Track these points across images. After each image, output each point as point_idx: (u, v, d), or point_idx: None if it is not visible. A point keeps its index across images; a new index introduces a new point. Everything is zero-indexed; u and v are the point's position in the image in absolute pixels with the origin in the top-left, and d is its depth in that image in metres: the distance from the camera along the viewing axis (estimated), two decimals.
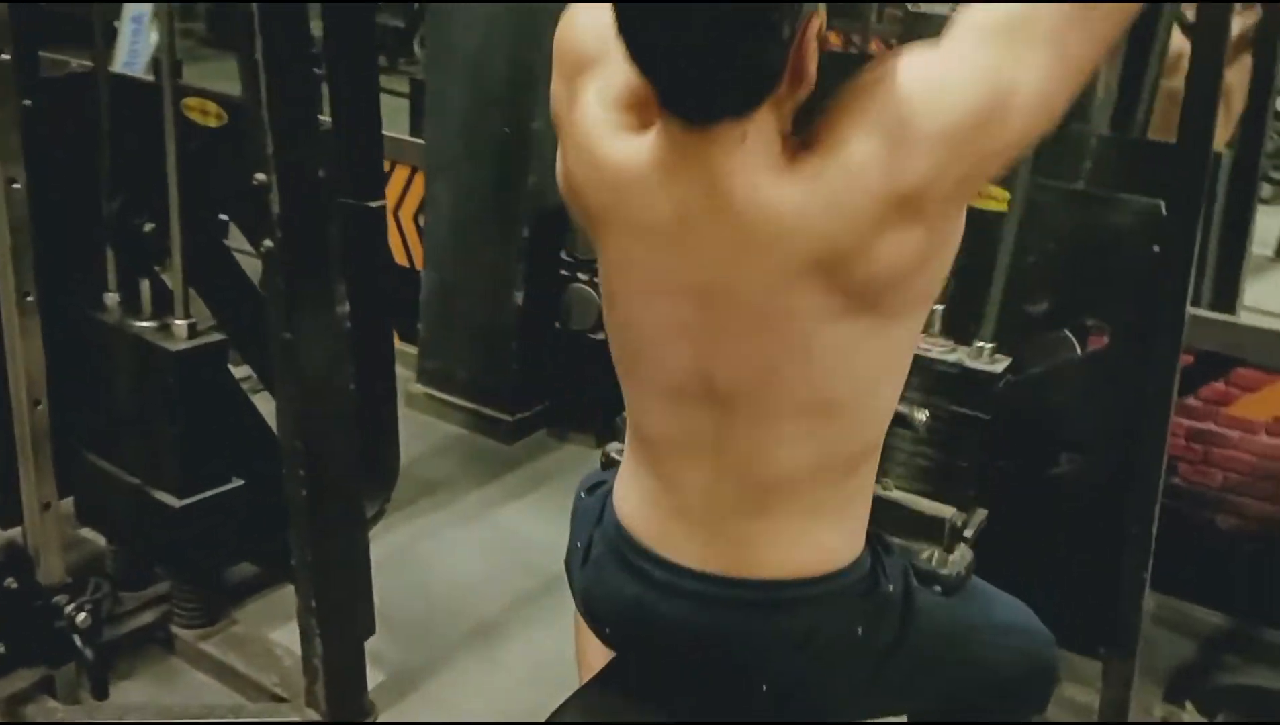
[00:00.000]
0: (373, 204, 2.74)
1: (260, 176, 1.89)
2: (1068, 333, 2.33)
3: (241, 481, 2.31)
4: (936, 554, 1.53)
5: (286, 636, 2.43)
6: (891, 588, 1.32)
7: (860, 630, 1.29)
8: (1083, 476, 2.33)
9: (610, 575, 1.35)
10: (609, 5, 1.04)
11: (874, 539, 1.33)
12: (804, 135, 1.06)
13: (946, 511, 1.57)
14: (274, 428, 2.24)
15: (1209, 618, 2.77)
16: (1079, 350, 2.32)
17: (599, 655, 1.78)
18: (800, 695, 1.34)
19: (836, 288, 1.08)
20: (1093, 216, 2.22)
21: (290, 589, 2.56)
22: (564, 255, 3.40)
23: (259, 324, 2.11)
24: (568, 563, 1.49)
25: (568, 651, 2.48)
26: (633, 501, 1.34)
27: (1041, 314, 2.34)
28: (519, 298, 3.42)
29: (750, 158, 1.05)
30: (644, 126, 1.10)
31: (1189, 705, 2.47)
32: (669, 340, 1.19)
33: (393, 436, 2.99)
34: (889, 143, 1.02)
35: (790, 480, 1.22)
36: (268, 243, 1.92)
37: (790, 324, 1.11)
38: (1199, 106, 2.03)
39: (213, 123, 2.24)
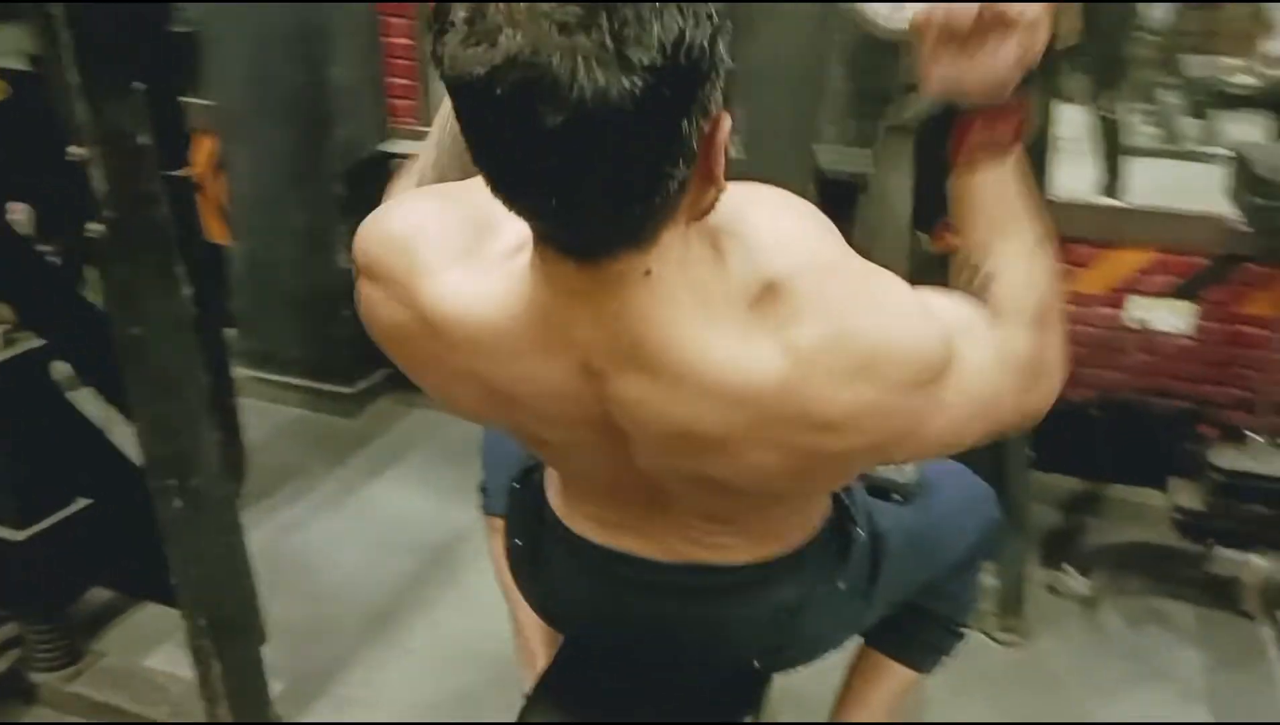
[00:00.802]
0: (177, 173, 2.45)
1: (78, 150, 1.63)
2: None
3: (87, 501, 2.04)
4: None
5: (165, 660, 2.21)
6: (861, 532, 1.31)
7: (841, 584, 1.28)
8: None
9: (572, 580, 1.28)
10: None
11: None
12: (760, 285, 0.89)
13: None
14: (108, 437, 2.04)
15: (1067, 484, 2.95)
16: None
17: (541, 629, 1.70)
18: (786, 657, 1.35)
19: (808, 453, 0.95)
20: None
21: (151, 608, 2.33)
22: None
23: (79, 322, 1.86)
24: (511, 562, 1.40)
25: (474, 625, 2.40)
26: (574, 513, 1.25)
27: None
28: (343, 261, 3.18)
29: (660, 290, 0.86)
30: (510, 273, 0.92)
31: (1067, 568, 2.63)
32: (602, 471, 1.11)
33: (235, 429, 2.74)
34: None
35: (747, 522, 1.18)
36: (97, 227, 1.66)
37: (731, 472, 0.99)
38: None
39: None
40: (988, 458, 2.36)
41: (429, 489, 2.97)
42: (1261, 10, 6.69)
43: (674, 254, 0.85)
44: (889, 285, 0.93)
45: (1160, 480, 2.68)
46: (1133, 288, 2.74)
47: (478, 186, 0.82)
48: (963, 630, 1.63)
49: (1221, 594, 2.54)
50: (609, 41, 0.70)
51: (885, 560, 1.32)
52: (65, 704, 2.09)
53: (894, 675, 1.64)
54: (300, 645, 2.27)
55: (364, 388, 3.34)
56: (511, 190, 0.80)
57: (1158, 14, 6.93)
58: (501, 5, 0.71)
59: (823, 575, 1.25)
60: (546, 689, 1.38)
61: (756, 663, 1.31)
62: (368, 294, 1.02)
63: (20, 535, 1.94)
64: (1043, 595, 2.59)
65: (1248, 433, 2.55)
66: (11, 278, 2.06)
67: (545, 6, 0.70)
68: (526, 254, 0.90)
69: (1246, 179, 1.97)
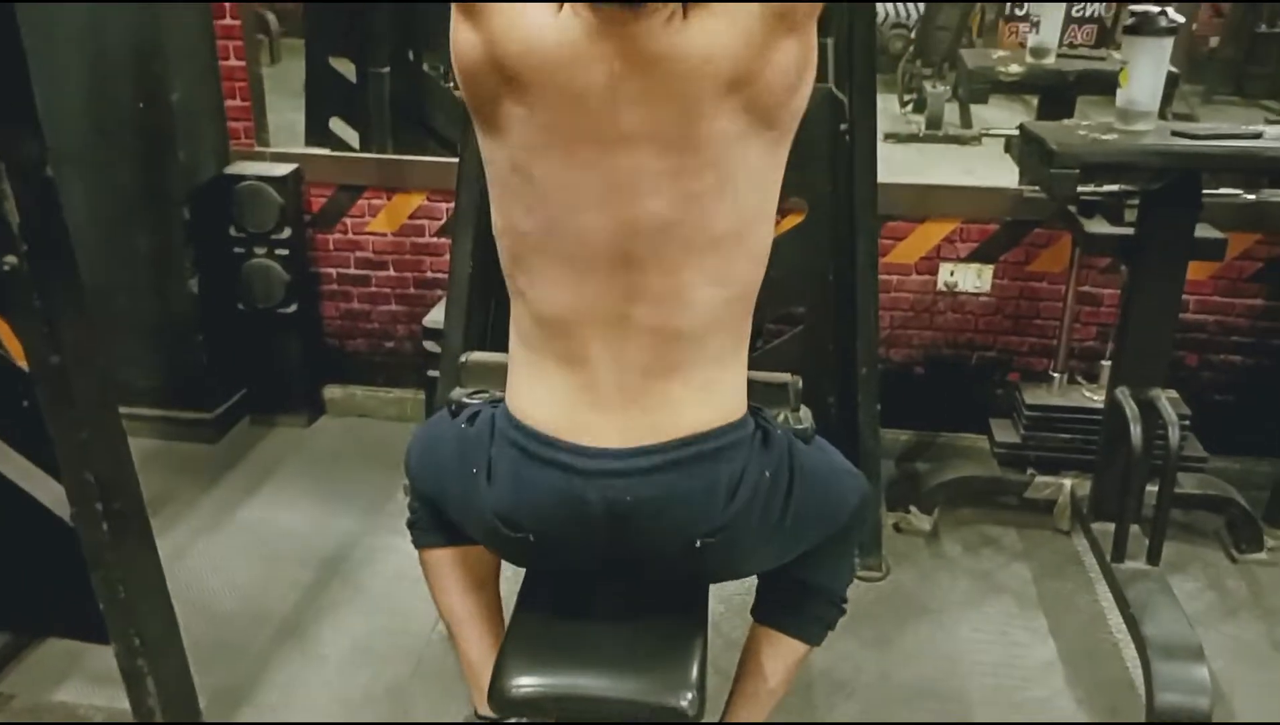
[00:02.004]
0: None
1: None
2: None
3: None
4: (788, 414, 1.71)
5: (76, 693, 2.19)
6: (780, 433, 1.49)
7: (768, 474, 1.44)
8: (810, 337, 2.66)
9: (529, 477, 1.39)
10: None
11: (748, 406, 1.46)
12: None
13: (787, 377, 1.76)
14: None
15: (899, 436, 3.28)
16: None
17: (468, 592, 1.78)
18: (728, 544, 1.45)
19: (743, 107, 1.23)
20: None
21: (46, 647, 2.31)
22: (232, 231, 3.19)
23: None
24: (463, 497, 1.49)
25: (382, 623, 2.49)
26: (537, 400, 1.39)
27: None
28: (194, 285, 3.16)
29: (665, 19, 1.18)
30: (559, 8, 1.20)
31: (912, 509, 2.95)
32: (589, 204, 1.27)
33: None
34: None
35: (698, 328, 1.34)
36: (10, 260, 1.67)
37: (706, 150, 1.24)
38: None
39: None
40: (839, 417, 2.66)
41: (306, 501, 3.01)
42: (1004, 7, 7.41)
43: None
44: None
45: (982, 424, 3.04)
46: (941, 256, 3.10)
47: None
48: (845, 603, 1.74)
49: (1042, 515, 2.92)
50: None
51: (798, 476, 1.49)
52: None
53: (786, 648, 1.73)
54: (213, 664, 2.29)
55: (222, 412, 3.32)
56: None
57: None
58: None
59: (753, 458, 1.41)
60: (522, 616, 1.52)
61: (699, 542, 1.41)
62: (460, 34, 1.26)
63: None
64: (892, 535, 2.90)
65: (1051, 373, 2.95)
66: None
67: None
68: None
69: (1042, 153, 2.31)
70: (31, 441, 2.00)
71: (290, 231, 3.18)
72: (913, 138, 6.32)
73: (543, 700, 1.47)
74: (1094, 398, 2.83)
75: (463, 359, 1.81)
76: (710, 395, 1.38)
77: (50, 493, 2.05)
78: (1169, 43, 2.35)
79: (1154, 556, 2.44)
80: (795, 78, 1.25)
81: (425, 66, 3.86)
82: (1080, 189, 2.37)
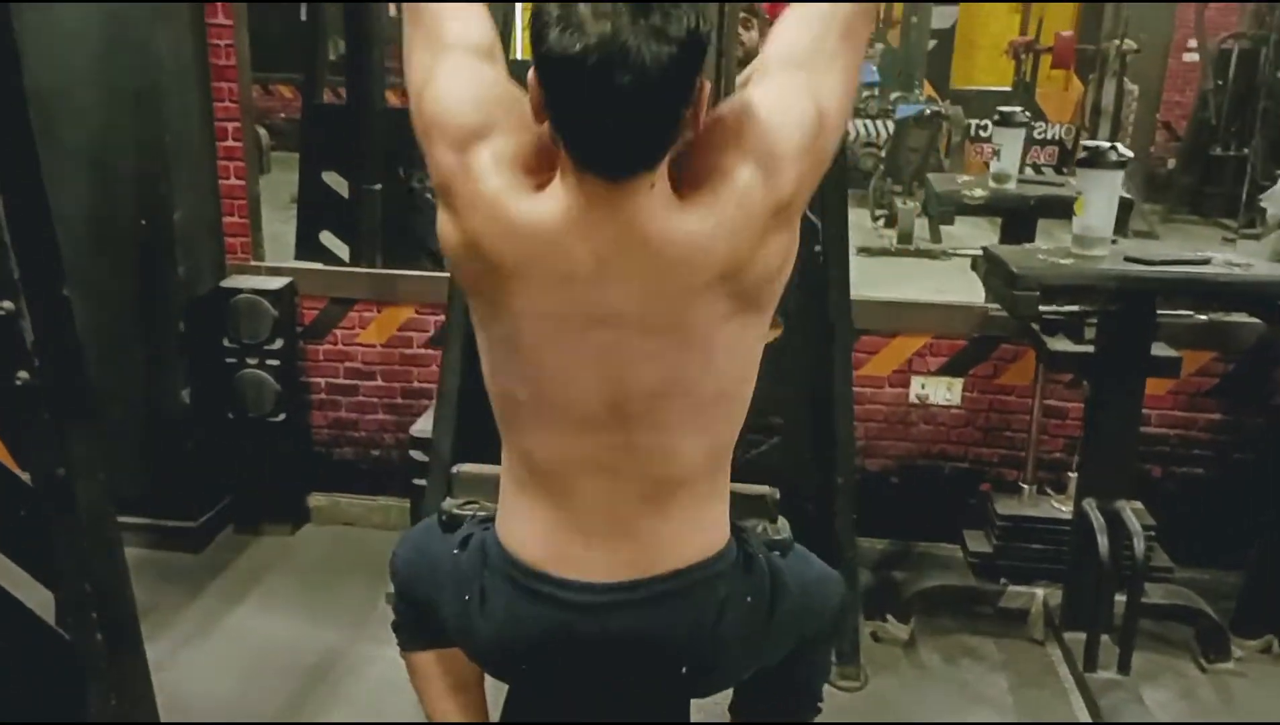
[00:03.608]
0: None
1: (7, 305, 1.72)
2: None
3: None
4: (766, 526, 1.79)
5: None
6: (762, 557, 1.56)
7: (750, 599, 1.50)
8: (788, 447, 2.75)
9: (522, 611, 1.44)
10: (474, 77, 1.27)
11: (732, 525, 1.52)
12: (685, 170, 1.25)
13: (765, 489, 1.85)
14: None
15: (876, 544, 3.35)
16: None
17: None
18: (712, 667, 1.52)
19: (732, 293, 1.28)
20: None
21: None
22: (226, 342, 3.28)
23: None
24: (457, 619, 1.53)
25: None
26: (528, 533, 1.44)
27: None
28: (186, 395, 3.23)
29: (657, 199, 1.23)
30: (541, 186, 1.24)
31: (889, 618, 3.00)
32: (579, 373, 1.32)
33: None
34: (763, 167, 1.25)
35: (683, 474, 1.40)
36: (23, 375, 1.75)
37: (694, 331, 1.29)
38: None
39: None
40: (817, 525, 2.73)
41: (290, 611, 3.03)
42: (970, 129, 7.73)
43: (662, 167, 1.22)
44: (752, 100, 1.28)
45: (956, 533, 3.12)
46: (913, 369, 3.22)
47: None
48: (821, 700, 1.80)
49: (1016, 624, 2.98)
50: (658, 24, 1.11)
51: (780, 594, 1.55)
52: None
53: None
54: None
55: (206, 520, 3.36)
56: (580, 131, 1.18)
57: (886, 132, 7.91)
58: (583, 5, 1.12)
59: (737, 585, 1.47)
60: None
61: (684, 668, 1.47)
62: (445, 161, 1.29)
63: None
64: (869, 644, 2.94)
65: (1020, 484, 3.05)
66: None
67: (612, 6, 1.11)
68: (554, 178, 1.23)
69: (1004, 276, 2.45)
70: (25, 550, 2.04)
71: (282, 342, 3.26)
72: (884, 252, 6.55)
73: None
74: (1063, 508, 2.92)
75: (455, 470, 1.87)
76: (695, 531, 1.44)
77: (48, 604, 2.09)
78: (1119, 175, 2.51)
79: (1124, 666, 2.50)
80: (782, 264, 1.32)
81: (415, 183, 4.01)
82: (1042, 308, 2.50)
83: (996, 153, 3.54)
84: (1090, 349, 2.63)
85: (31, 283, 1.73)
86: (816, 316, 2.67)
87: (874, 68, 8.71)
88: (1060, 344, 2.69)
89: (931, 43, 9.66)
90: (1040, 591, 2.91)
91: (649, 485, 1.39)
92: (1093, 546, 2.53)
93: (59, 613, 2.03)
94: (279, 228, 3.91)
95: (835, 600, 1.73)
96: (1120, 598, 2.53)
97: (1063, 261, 2.47)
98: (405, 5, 1.38)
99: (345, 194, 4.07)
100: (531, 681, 1.55)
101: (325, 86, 4.95)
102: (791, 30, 1.35)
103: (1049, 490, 3.03)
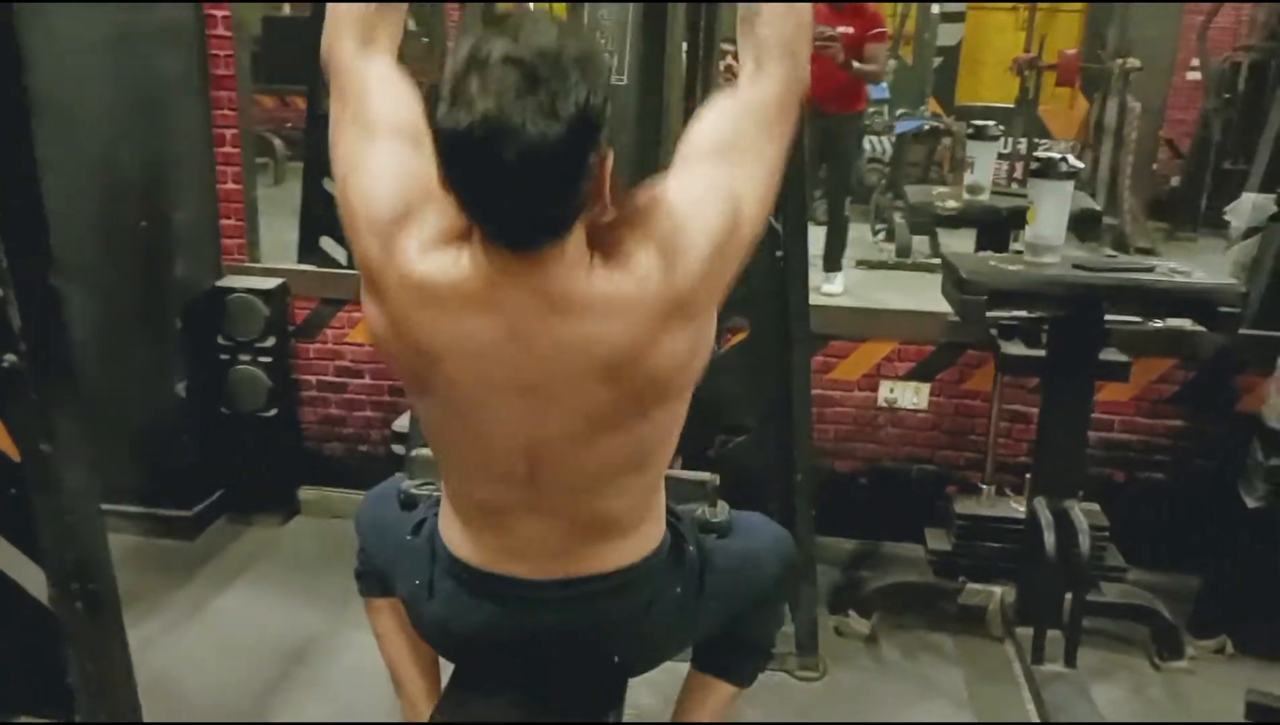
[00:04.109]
0: None
1: None
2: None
3: None
4: (705, 509, 1.90)
5: None
6: (692, 548, 1.68)
7: (679, 589, 1.63)
8: (757, 446, 2.85)
9: (464, 606, 1.57)
10: (396, 166, 1.30)
11: (669, 511, 1.64)
12: (603, 245, 1.29)
13: (705, 476, 1.96)
14: None
15: (844, 544, 3.44)
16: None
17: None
18: (642, 654, 1.67)
19: (626, 387, 1.31)
20: None
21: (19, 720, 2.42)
22: (221, 339, 3.41)
23: None
24: (409, 599, 1.66)
25: (333, 711, 2.61)
26: (467, 545, 1.54)
27: None
28: (181, 389, 3.37)
29: (567, 269, 1.26)
30: (458, 259, 1.28)
31: (851, 613, 3.09)
32: (503, 438, 1.38)
33: None
34: (666, 256, 1.27)
35: (615, 515, 1.50)
36: (10, 357, 1.88)
37: (600, 410, 1.34)
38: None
39: None
40: (779, 520, 2.83)
41: (276, 597, 3.15)
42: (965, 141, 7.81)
43: (575, 240, 1.25)
44: (673, 189, 1.32)
45: (921, 534, 3.21)
46: (881, 374, 3.32)
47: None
48: (772, 650, 1.97)
49: (975, 621, 3.06)
50: (545, 102, 1.13)
51: (709, 574, 1.67)
52: None
53: (719, 691, 1.92)
54: None
55: (200, 510, 3.49)
56: (478, 205, 1.20)
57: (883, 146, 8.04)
58: (474, 81, 1.14)
59: (665, 579, 1.59)
60: (441, 712, 1.67)
61: (617, 657, 1.60)
62: (368, 250, 1.32)
63: None
64: (832, 638, 3.04)
65: (981, 485, 3.14)
66: None
67: (499, 83, 1.13)
68: (464, 246, 1.27)
69: (955, 281, 2.55)
70: (16, 527, 2.17)
71: (275, 340, 3.40)
72: (882, 265, 6.64)
73: None
74: (1020, 509, 3.00)
75: (413, 453, 2.00)
76: (627, 541, 1.54)
77: (31, 577, 2.21)
78: (1069, 185, 2.61)
79: (1070, 659, 2.58)
80: (687, 361, 1.35)
81: None
82: (993, 314, 2.60)
83: (970, 165, 3.64)
84: (1043, 353, 2.72)
85: (20, 270, 1.86)
86: (781, 320, 2.77)
87: (885, 85, 8.82)
88: (1015, 348, 2.78)
89: (937, 60, 9.76)
90: (998, 589, 2.99)
91: (580, 523, 1.49)
92: (1043, 544, 2.62)
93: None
94: (288, 236, 4.04)
95: (777, 566, 1.86)
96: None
97: (1011, 267, 2.57)
98: (332, 75, 1.41)
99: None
100: (472, 664, 1.67)
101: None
102: (711, 117, 1.39)
103: (1008, 492, 3.12)
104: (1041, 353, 2.74)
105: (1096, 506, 2.92)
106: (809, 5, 1.43)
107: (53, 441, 1.92)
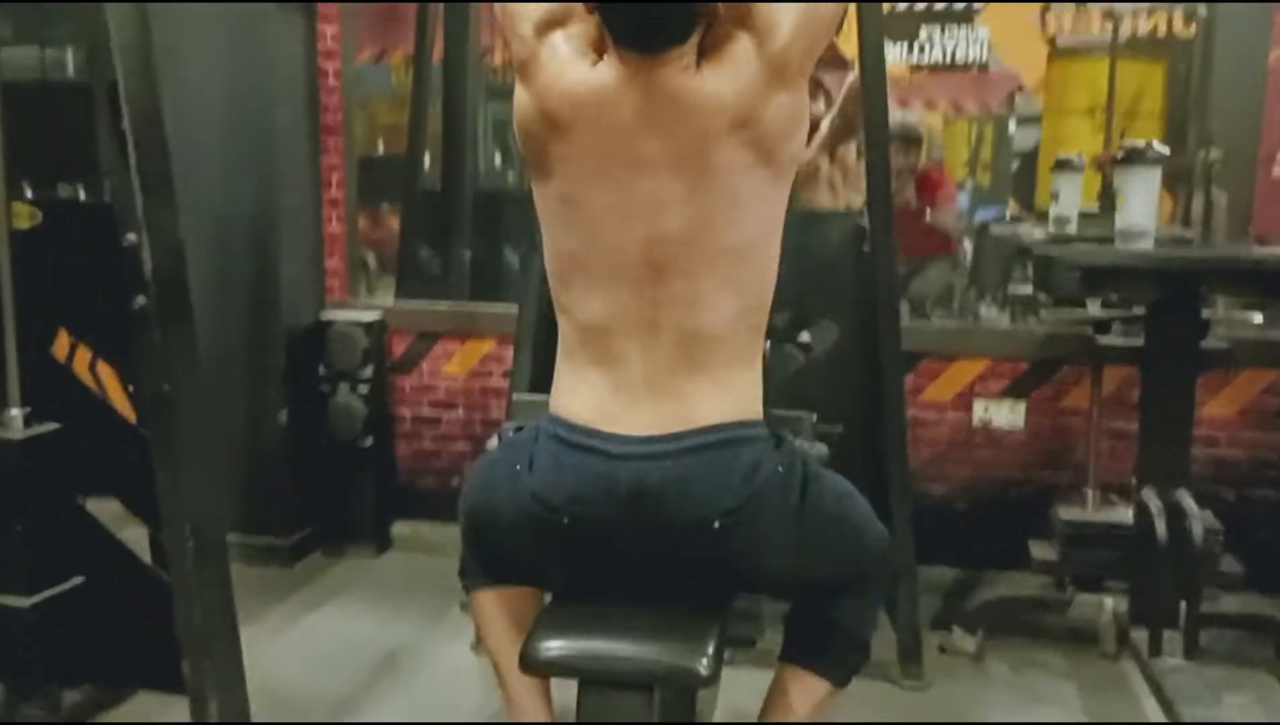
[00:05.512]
0: None
1: (131, 237, 1.98)
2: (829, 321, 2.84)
3: (81, 578, 2.22)
4: (805, 444, 1.89)
5: None
6: (792, 441, 1.67)
7: (781, 469, 1.60)
8: (844, 458, 2.82)
9: (567, 462, 1.59)
10: None
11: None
12: (707, 42, 1.52)
13: (803, 413, 1.97)
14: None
15: (944, 574, 3.32)
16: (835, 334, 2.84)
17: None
18: (744, 526, 1.59)
19: (746, 142, 1.51)
20: (815, 232, 2.82)
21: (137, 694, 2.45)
22: (322, 369, 3.53)
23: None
24: (508, 493, 1.66)
25: (420, 710, 2.59)
26: (577, 396, 1.60)
27: (784, 325, 2.85)
28: (283, 417, 3.48)
29: (684, 68, 1.50)
30: (595, 63, 1.53)
31: (955, 629, 2.98)
32: (620, 219, 1.54)
33: None
34: (759, 33, 1.50)
35: (716, 329, 1.56)
36: (140, 299, 1.99)
37: (717, 175, 1.52)
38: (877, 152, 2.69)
39: (23, 224, 2.26)
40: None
41: (365, 617, 3.18)
42: None
43: (691, 46, 1.49)
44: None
45: (1020, 559, 3.09)
46: (975, 392, 3.28)
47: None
48: (867, 647, 1.81)
49: (1085, 637, 2.92)
50: None
51: (812, 480, 1.64)
52: None
53: (811, 686, 1.79)
54: None
55: (297, 540, 3.54)
56: (621, 20, 1.47)
57: None
58: None
59: (768, 454, 1.58)
60: (550, 612, 1.66)
61: (718, 523, 1.56)
62: (526, 40, 1.56)
63: (27, 602, 2.10)
64: (936, 656, 2.92)
65: (1085, 490, 3.04)
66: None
67: None
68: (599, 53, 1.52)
69: (1046, 265, 2.54)
70: (135, 495, 2.24)
71: (373, 371, 3.51)
72: None
73: (571, 660, 1.59)
74: (1127, 514, 2.90)
75: (514, 397, 2.04)
76: (727, 392, 1.58)
77: (148, 551, 2.29)
78: (1157, 170, 2.62)
79: (1190, 651, 2.45)
80: (790, 124, 1.55)
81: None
82: (1092, 309, 2.59)
83: (1055, 196, 3.64)
84: (1139, 343, 2.68)
85: (153, 221, 2.00)
86: (869, 320, 2.78)
87: (964, 198, 8.90)
88: (1112, 339, 2.75)
89: (1014, 163, 9.85)
90: (1109, 599, 2.88)
91: (683, 341, 1.55)
92: (1153, 535, 2.52)
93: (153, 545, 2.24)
94: None
95: (873, 540, 1.77)
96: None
97: (1104, 248, 2.56)
98: None
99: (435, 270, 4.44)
100: (571, 537, 1.63)
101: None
102: None
103: (1114, 497, 3.02)
104: (1139, 342, 2.70)
105: (1209, 512, 2.81)
106: None
107: (171, 381, 2.01)
